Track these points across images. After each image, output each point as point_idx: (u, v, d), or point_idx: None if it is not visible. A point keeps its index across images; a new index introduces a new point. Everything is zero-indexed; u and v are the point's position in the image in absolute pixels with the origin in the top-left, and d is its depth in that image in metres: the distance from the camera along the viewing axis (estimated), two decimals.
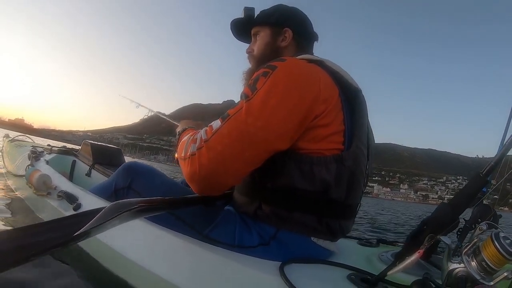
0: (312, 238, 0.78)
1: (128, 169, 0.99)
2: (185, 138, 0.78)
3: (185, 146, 0.73)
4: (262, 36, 0.95)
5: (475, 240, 0.51)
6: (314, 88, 0.71)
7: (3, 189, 1.98)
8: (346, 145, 0.76)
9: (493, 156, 0.65)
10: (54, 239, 0.47)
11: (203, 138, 0.69)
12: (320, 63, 0.82)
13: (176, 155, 0.80)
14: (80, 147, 2.30)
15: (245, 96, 0.69)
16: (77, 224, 0.50)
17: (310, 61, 0.81)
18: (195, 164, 0.68)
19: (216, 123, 0.70)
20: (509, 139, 0.65)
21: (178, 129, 0.98)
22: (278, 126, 0.68)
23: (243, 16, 0.97)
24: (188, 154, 0.70)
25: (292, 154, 0.73)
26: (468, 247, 0.51)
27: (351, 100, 0.82)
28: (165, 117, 1.92)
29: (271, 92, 0.68)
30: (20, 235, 0.47)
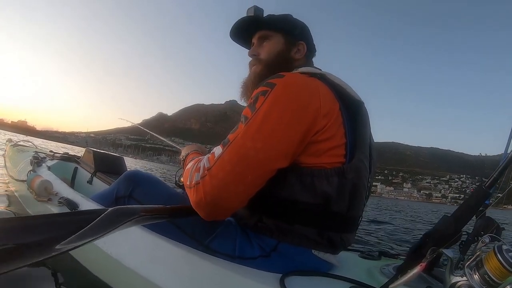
0: (313, 251, 0.77)
1: (129, 178, 0.99)
2: (189, 165, 0.78)
3: (189, 175, 0.73)
4: (273, 42, 0.93)
5: (478, 253, 0.50)
6: (314, 103, 0.71)
7: (4, 193, 1.98)
8: (348, 158, 0.76)
9: (496, 154, 0.65)
10: (49, 243, 0.46)
11: (206, 166, 0.69)
12: (320, 77, 0.82)
13: (181, 179, 0.81)
14: (82, 149, 2.31)
15: (245, 119, 0.70)
16: (74, 224, 0.50)
17: (311, 74, 0.81)
18: (200, 193, 0.68)
19: (218, 150, 0.70)
20: None
21: (182, 154, 0.99)
22: (278, 145, 0.68)
23: (252, 14, 0.93)
24: (193, 183, 0.70)
25: (293, 167, 0.73)
26: (470, 260, 0.50)
27: (352, 113, 0.82)
28: (163, 139, 2.12)
29: (270, 112, 0.68)
30: (11, 230, 0.47)
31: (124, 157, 2.49)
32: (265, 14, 0.96)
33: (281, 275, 0.68)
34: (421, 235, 0.71)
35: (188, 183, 0.73)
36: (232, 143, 0.68)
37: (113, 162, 2.23)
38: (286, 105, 0.69)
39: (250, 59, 0.97)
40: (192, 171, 0.73)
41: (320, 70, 0.88)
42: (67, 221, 0.53)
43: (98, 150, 2.26)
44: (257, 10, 0.93)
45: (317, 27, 0.99)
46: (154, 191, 0.95)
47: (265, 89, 0.71)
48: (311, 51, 0.98)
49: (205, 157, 0.73)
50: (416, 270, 0.53)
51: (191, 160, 0.85)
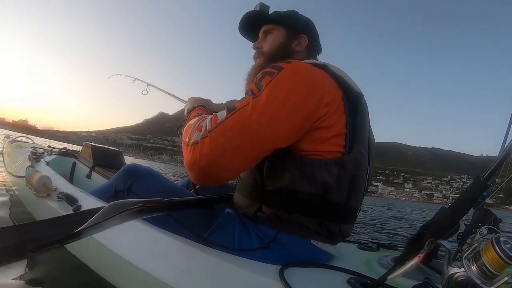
0: (312, 241, 0.78)
1: (128, 172, 0.99)
2: (192, 121, 0.78)
3: (190, 132, 0.73)
4: (276, 35, 0.96)
5: (476, 244, 0.50)
6: (318, 90, 0.72)
7: (3, 190, 1.98)
8: (348, 148, 0.76)
9: (497, 155, 0.65)
10: (52, 236, 0.47)
11: (207, 127, 0.69)
12: (324, 67, 0.83)
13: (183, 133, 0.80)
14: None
15: (252, 93, 0.70)
16: (76, 223, 0.50)
17: (315, 65, 0.82)
18: (196, 153, 0.68)
19: (222, 114, 0.70)
20: (509, 143, 0.65)
21: (187, 107, 0.98)
22: (281, 124, 0.68)
23: (258, 10, 0.97)
24: (191, 141, 0.70)
25: (293, 155, 0.74)
26: (468, 252, 0.51)
27: (353, 104, 0.83)
28: (166, 93, 1.67)
29: (277, 91, 0.69)
30: (18, 232, 0.47)
31: (125, 157, 2.48)
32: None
33: (280, 266, 0.68)
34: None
35: (186, 140, 0.73)
36: (237, 111, 0.69)
37: (111, 156, 2.22)
38: (291, 88, 0.70)
39: (254, 52, 1.00)
40: (193, 128, 0.73)
41: (323, 62, 0.88)
42: (70, 221, 0.54)
43: (96, 144, 2.25)
44: (263, 6, 0.96)
45: (319, 24, 1.00)
46: (153, 184, 0.95)
47: (272, 71, 0.72)
48: (313, 44, 0.99)
49: (209, 117, 0.73)
50: (414, 261, 0.53)
51: (196, 116, 0.84)
